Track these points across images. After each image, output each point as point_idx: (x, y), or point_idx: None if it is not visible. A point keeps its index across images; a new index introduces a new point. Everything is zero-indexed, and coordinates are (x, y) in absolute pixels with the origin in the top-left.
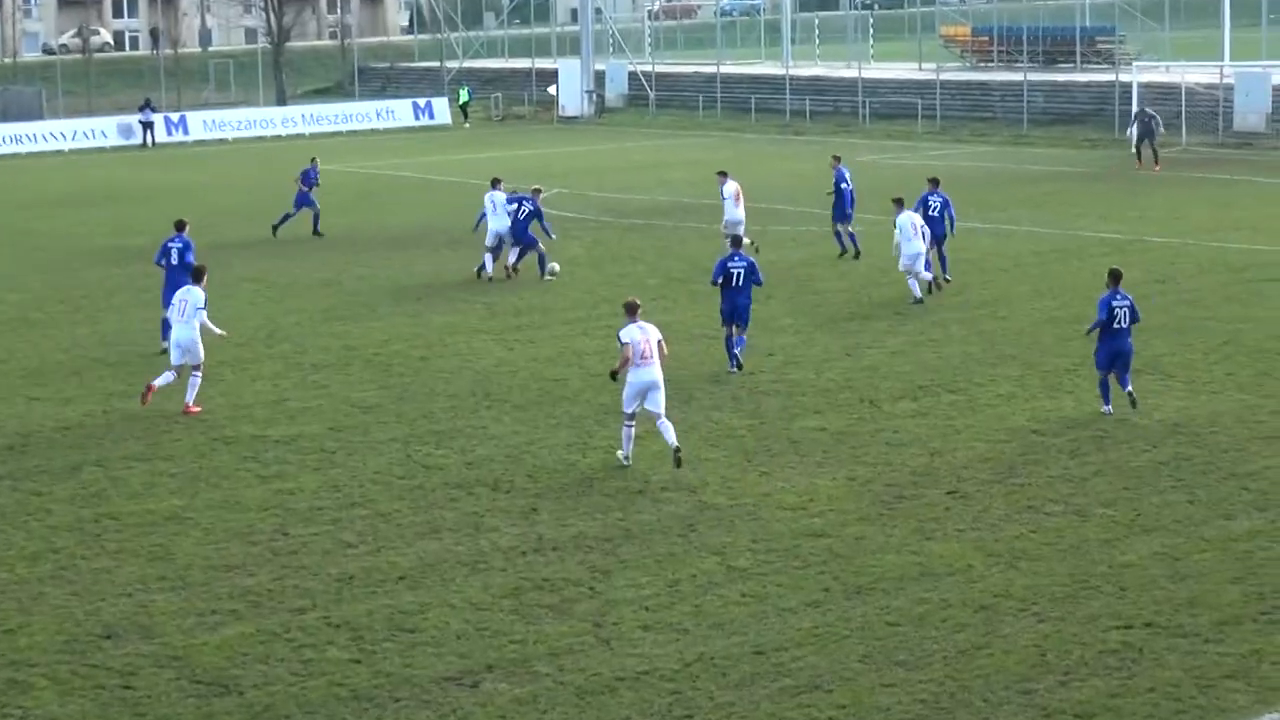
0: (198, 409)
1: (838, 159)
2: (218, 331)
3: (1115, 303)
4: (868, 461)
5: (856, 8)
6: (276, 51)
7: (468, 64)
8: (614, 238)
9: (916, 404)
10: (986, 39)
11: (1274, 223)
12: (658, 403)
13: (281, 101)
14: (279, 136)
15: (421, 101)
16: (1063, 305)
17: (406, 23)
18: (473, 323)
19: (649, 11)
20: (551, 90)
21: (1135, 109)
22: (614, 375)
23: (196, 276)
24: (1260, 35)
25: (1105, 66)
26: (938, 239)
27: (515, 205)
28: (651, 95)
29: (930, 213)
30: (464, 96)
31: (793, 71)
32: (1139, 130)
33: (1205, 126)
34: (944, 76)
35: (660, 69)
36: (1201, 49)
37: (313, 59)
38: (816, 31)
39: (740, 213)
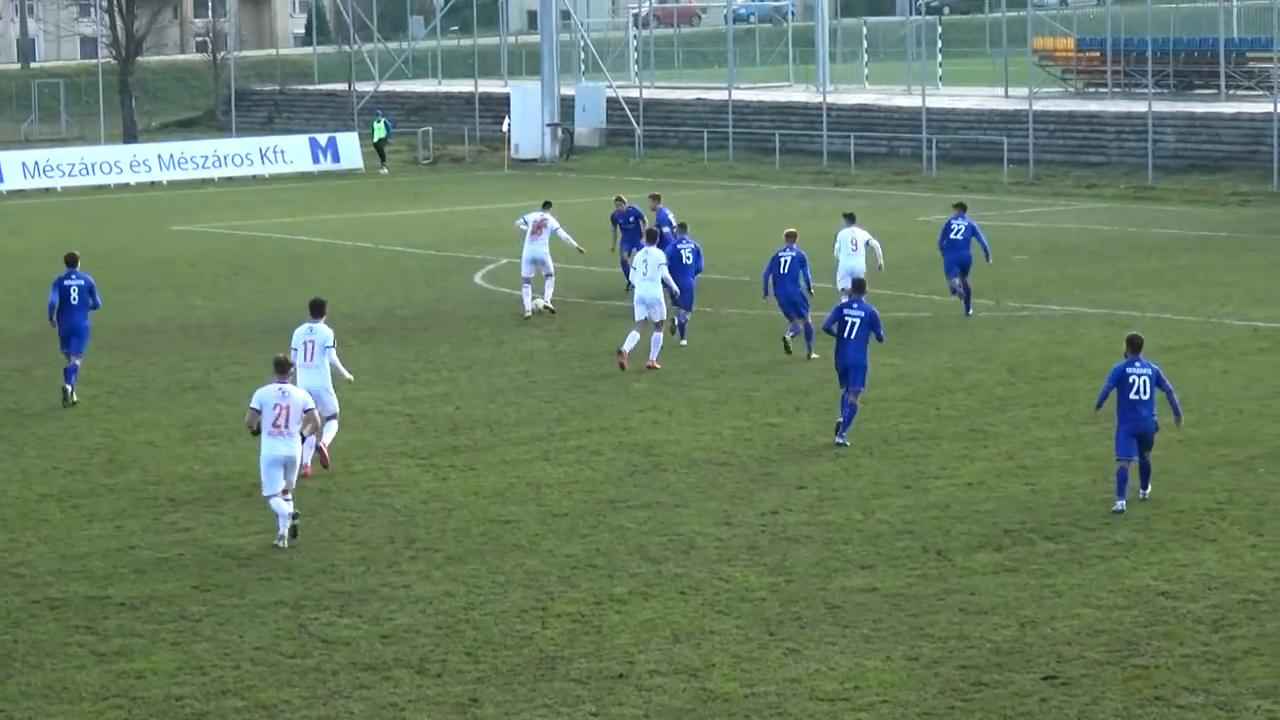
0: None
1: (960, 207)
2: (346, 375)
3: (1131, 370)
4: (934, 635)
5: (919, 11)
6: (124, 69)
7: (387, 86)
8: (587, 326)
9: (1001, 555)
10: (1097, 55)
11: None
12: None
13: (131, 138)
14: (126, 185)
15: (322, 138)
16: (1203, 421)
17: (302, 29)
18: (391, 442)
19: (635, 15)
20: (503, 124)
21: None
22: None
23: (318, 311)
24: None
25: (1260, 93)
26: (962, 266)
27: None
28: (638, 130)
29: (953, 235)
30: (380, 131)
31: (832, 99)
32: None
33: None
34: (1039, 106)
35: (650, 94)
36: None
37: (174, 79)
38: (864, 45)
39: (861, 261)
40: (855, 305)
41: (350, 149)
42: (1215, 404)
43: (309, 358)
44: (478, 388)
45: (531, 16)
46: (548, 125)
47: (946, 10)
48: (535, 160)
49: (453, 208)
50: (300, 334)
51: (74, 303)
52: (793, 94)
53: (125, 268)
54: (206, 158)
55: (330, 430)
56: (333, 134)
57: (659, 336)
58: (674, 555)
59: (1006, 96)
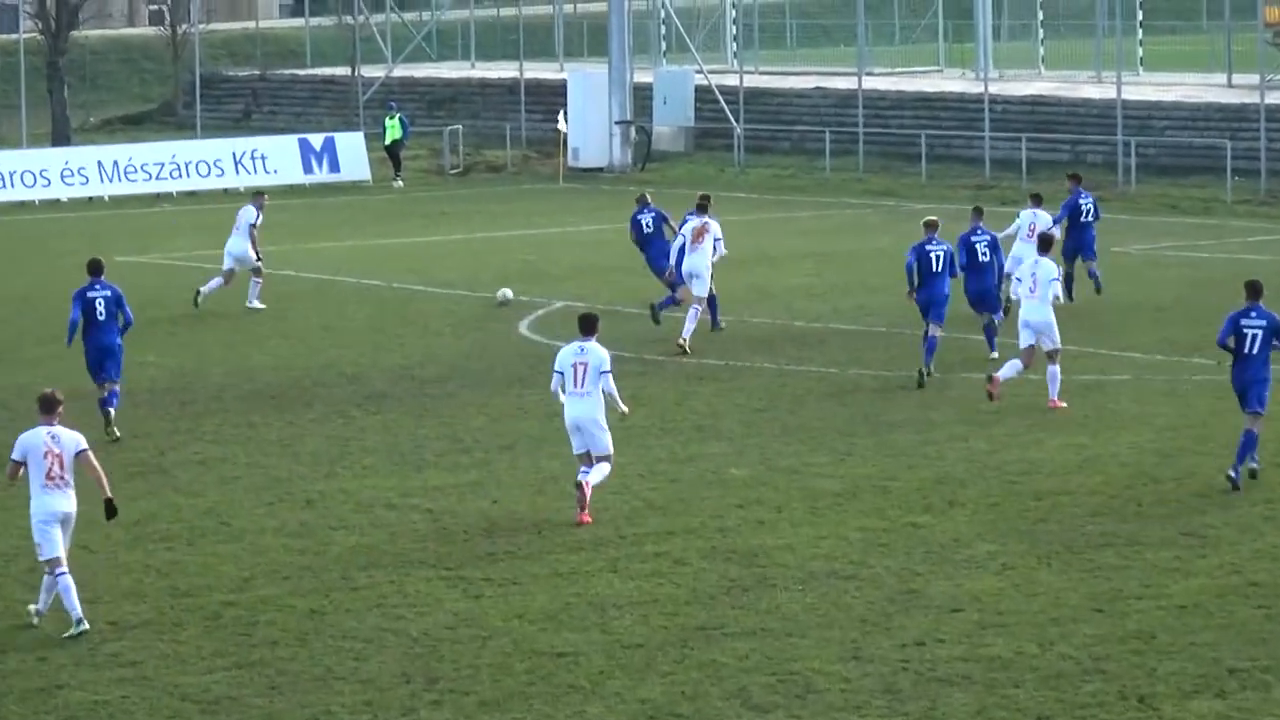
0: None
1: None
2: (623, 407)
3: (1246, 322)
4: None
5: None
6: (53, 48)
7: (403, 71)
8: (668, 391)
9: (1224, 704)
10: None
11: None
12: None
13: (62, 139)
14: (56, 202)
15: (317, 140)
16: None
17: None
18: (406, 546)
19: None
20: (559, 122)
21: None
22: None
23: (591, 327)
24: None
25: None
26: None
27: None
28: (738, 130)
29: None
30: (394, 131)
31: (997, 88)
32: None
33: None
34: (1274, 99)
35: (755, 81)
36: None
37: (120, 61)
38: (1039, 16)
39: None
40: (1253, 313)
41: (353, 154)
42: None
43: (579, 383)
44: (522, 475)
45: None
46: (617, 123)
47: None
48: (601, 169)
49: (490, 233)
50: (568, 355)
51: (101, 319)
52: (944, 82)
53: (52, 313)
54: (162, 165)
55: (604, 471)
56: (330, 134)
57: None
58: (785, 701)
59: (1230, 86)
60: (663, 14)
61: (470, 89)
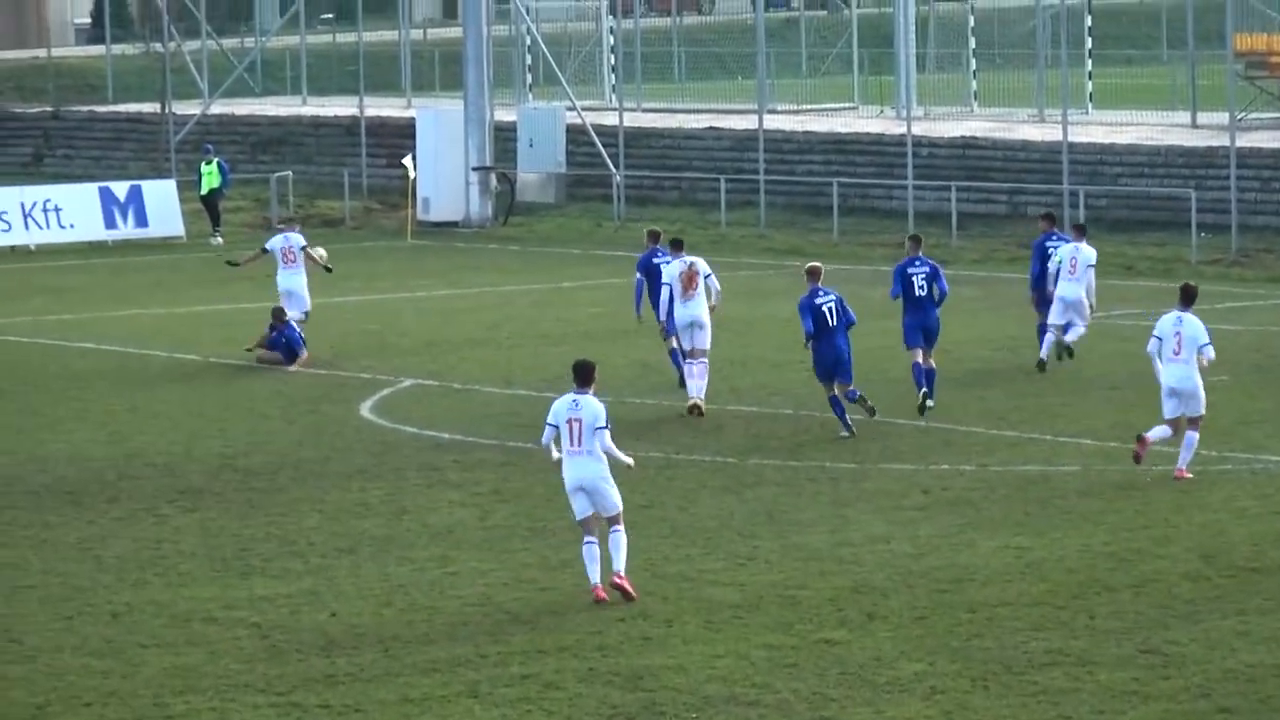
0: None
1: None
2: (626, 460)
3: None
4: None
5: None
6: None
7: (222, 108)
8: (536, 485)
9: None
10: None
11: None
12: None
13: None
14: None
15: (120, 189)
16: None
17: (88, 19)
18: (229, 668)
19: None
20: (407, 166)
21: None
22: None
23: (585, 377)
24: None
25: None
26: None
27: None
28: (617, 177)
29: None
30: (212, 179)
31: (922, 129)
32: None
33: None
34: (1246, 142)
35: (637, 120)
36: None
37: None
38: (971, 45)
39: (1081, 291)
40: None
41: (164, 205)
42: None
43: (576, 441)
44: (366, 584)
45: (449, 0)
46: (475, 169)
47: None
48: (455, 224)
49: (325, 298)
50: (562, 408)
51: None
52: (860, 121)
53: None
54: None
55: (623, 544)
56: (137, 181)
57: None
58: None
59: (1194, 127)
60: (528, 41)
61: (301, 129)
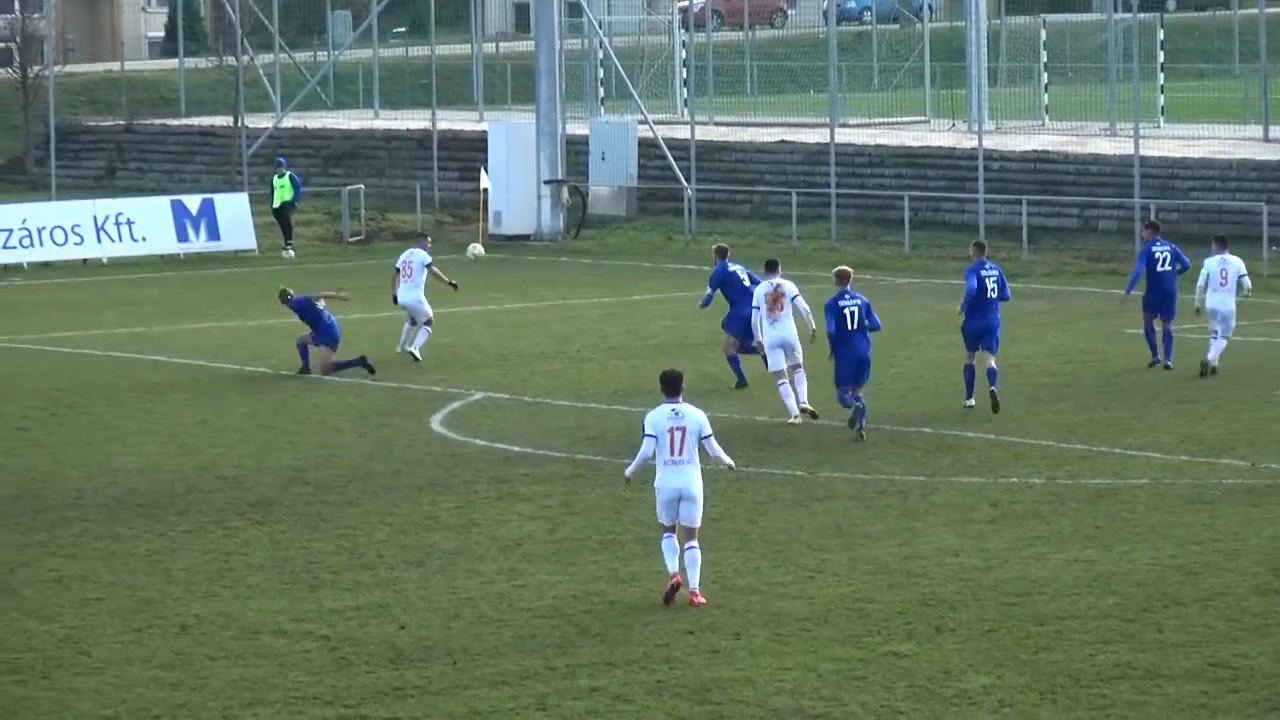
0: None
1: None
2: (729, 461)
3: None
4: None
5: (1128, 8)
6: None
7: (294, 121)
8: (605, 498)
9: None
10: None
11: None
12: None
13: None
14: None
15: (193, 202)
16: None
17: (161, 33)
18: (299, 680)
19: (683, 12)
20: (481, 178)
21: None
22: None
23: (674, 387)
24: None
25: None
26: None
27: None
28: (689, 191)
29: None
30: (284, 191)
31: (993, 143)
32: None
33: None
34: None
35: (709, 134)
36: None
37: None
38: (1042, 59)
39: (1231, 300)
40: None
41: (236, 219)
42: None
43: (678, 450)
44: (434, 596)
45: (521, 13)
46: (547, 183)
47: (1172, 4)
48: (527, 237)
49: (396, 312)
50: (662, 419)
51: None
52: (931, 135)
53: None
54: (11, 232)
55: (699, 561)
56: (209, 195)
57: None
58: None
59: (1266, 140)
60: (600, 55)
61: (374, 142)
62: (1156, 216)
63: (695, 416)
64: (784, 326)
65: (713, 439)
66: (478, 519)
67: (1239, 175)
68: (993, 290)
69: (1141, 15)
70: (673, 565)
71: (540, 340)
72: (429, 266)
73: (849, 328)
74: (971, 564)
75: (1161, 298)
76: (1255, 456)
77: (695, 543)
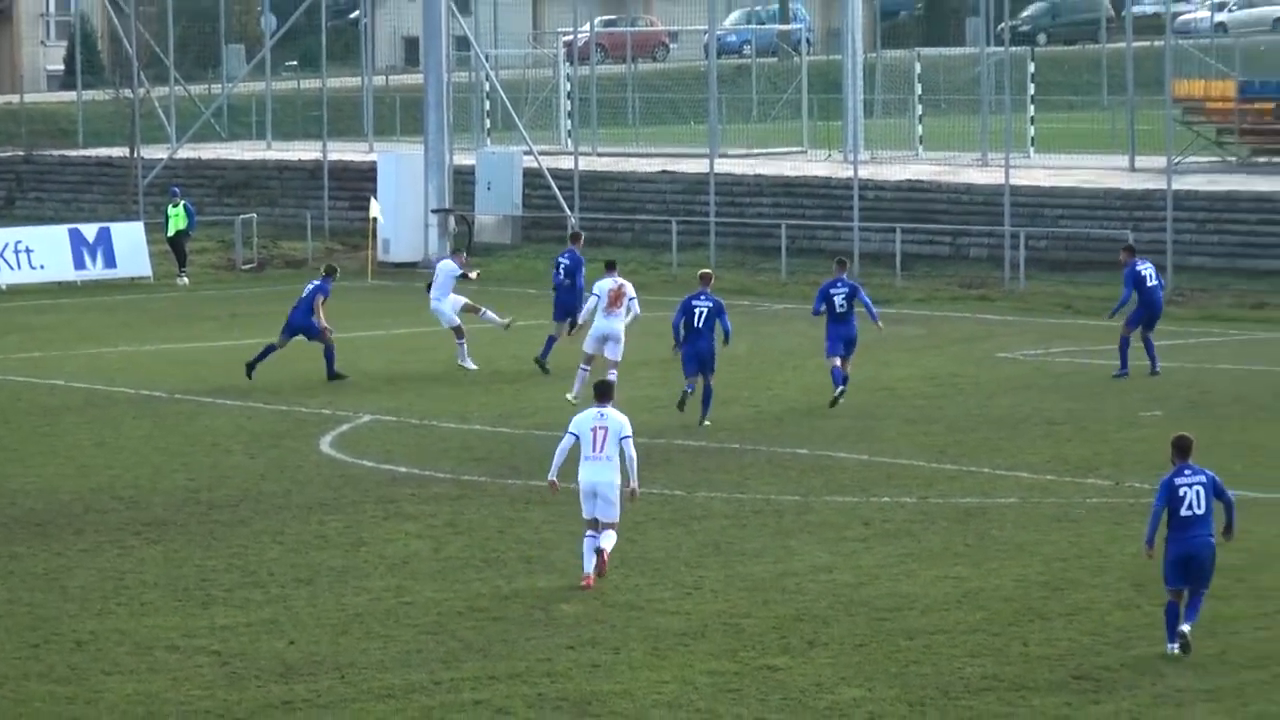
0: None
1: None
2: (634, 481)
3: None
4: None
5: (1000, 41)
6: None
7: (189, 152)
8: (490, 517)
9: None
10: (1269, 107)
11: None
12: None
13: None
14: None
15: (90, 230)
16: None
17: (60, 65)
18: (191, 695)
19: (568, 46)
20: (372, 207)
21: None
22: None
23: (606, 394)
24: None
25: None
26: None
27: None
28: (573, 220)
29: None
30: (179, 220)
31: (869, 172)
32: None
33: None
34: (1182, 184)
35: (592, 164)
36: None
37: None
38: (917, 91)
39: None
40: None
41: (132, 247)
42: None
43: (599, 448)
44: (323, 613)
45: (410, 47)
46: (434, 211)
47: (1042, 39)
48: (415, 264)
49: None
50: (587, 419)
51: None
52: (808, 165)
53: None
54: None
55: (613, 538)
56: (105, 224)
57: None
58: None
59: (1133, 170)
60: (487, 87)
61: (266, 172)
62: (1026, 244)
63: (618, 419)
64: (615, 322)
65: (631, 441)
66: (366, 538)
67: (1106, 204)
68: (841, 306)
69: (1013, 49)
70: (588, 567)
71: (427, 364)
72: (463, 277)
73: (695, 324)
74: (844, 580)
75: (1155, 313)
76: (1119, 476)
77: (611, 531)
